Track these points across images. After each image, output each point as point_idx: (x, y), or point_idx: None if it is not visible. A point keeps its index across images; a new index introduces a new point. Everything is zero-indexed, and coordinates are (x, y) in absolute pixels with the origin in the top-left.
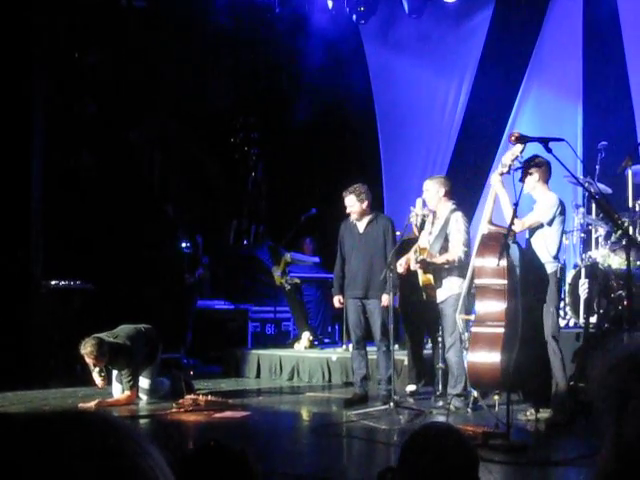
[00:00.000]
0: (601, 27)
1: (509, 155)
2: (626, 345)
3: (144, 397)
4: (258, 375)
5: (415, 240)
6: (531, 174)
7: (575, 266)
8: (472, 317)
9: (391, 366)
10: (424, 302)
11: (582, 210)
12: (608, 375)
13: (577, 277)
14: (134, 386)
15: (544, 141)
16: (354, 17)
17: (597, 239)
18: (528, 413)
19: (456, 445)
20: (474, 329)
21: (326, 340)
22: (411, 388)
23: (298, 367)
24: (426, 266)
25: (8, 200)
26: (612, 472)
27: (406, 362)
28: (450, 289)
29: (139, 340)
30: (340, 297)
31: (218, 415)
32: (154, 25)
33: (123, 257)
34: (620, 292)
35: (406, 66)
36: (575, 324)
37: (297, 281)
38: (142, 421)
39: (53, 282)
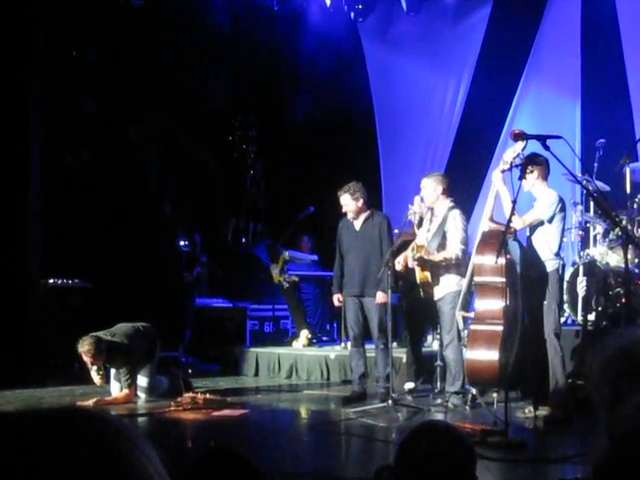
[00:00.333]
0: (599, 24)
1: (510, 152)
2: (617, 340)
3: (142, 395)
4: (256, 373)
5: (415, 238)
6: (531, 172)
7: (573, 264)
8: (471, 314)
9: (389, 364)
10: (425, 299)
11: (580, 208)
12: (600, 371)
13: (575, 275)
14: (132, 384)
15: (542, 139)
16: (352, 15)
17: (595, 237)
18: (526, 410)
19: (454, 443)
20: (473, 327)
21: (324, 338)
22: (409, 386)
23: (296, 365)
24: (423, 263)
25: (6, 199)
26: (606, 464)
27: (404, 360)
28: (447, 287)
29: (137, 338)
30: (339, 296)
31: (216, 413)
32: (152, 24)
33: (121, 256)
34: (618, 290)
35: (404, 64)
36: (573, 321)
37: (295, 279)
38: (140, 419)
39: (51, 281)
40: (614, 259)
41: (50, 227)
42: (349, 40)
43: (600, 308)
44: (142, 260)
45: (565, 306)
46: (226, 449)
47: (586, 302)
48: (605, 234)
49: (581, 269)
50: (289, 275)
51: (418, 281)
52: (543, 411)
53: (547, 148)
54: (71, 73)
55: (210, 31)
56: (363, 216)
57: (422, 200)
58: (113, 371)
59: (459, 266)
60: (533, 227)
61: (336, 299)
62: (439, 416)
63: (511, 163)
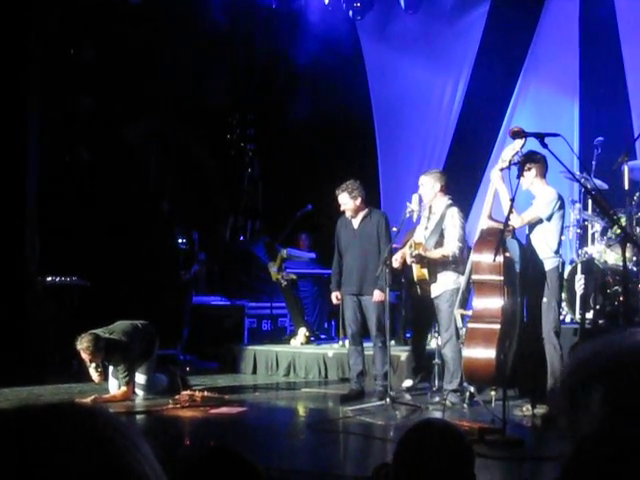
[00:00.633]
0: (598, 23)
1: (509, 150)
2: (586, 348)
3: (140, 393)
4: (254, 371)
5: None
6: (529, 169)
7: (571, 262)
8: (469, 312)
9: (387, 362)
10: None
11: (578, 206)
12: (563, 380)
13: (573, 273)
14: (130, 382)
15: (540, 136)
16: (350, 13)
17: (593, 235)
18: (524, 409)
19: (452, 441)
20: (470, 325)
21: (322, 336)
22: (407, 383)
23: (294, 363)
24: (421, 261)
25: (3, 197)
26: (571, 472)
27: (403, 358)
28: (445, 284)
29: (135, 336)
30: (338, 293)
31: (214, 411)
32: (150, 22)
33: (119, 254)
34: (616, 288)
35: (403, 62)
36: (571, 320)
37: (293, 277)
38: (138, 417)
39: (49, 279)
40: (612, 257)
41: (48, 225)
42: (347, 38)
43: (598, 306)
44: (140, 258)
45: (563, 304)
46: (225, 449)
47: (584, 300)
48: (603, 232)
49: (579, 267)
50: (287, 273)
51: (415, 279)
52: (541, 409)
53: (545, 146)
54: (69, 72)
55: (208, 29)
56: (361, 214)
57: (420, 198)
58: (111, 369)
59: (457, 264)
60: (532, 225)
61: (334, 297)
62: (437, 414)
63: (510, 161)
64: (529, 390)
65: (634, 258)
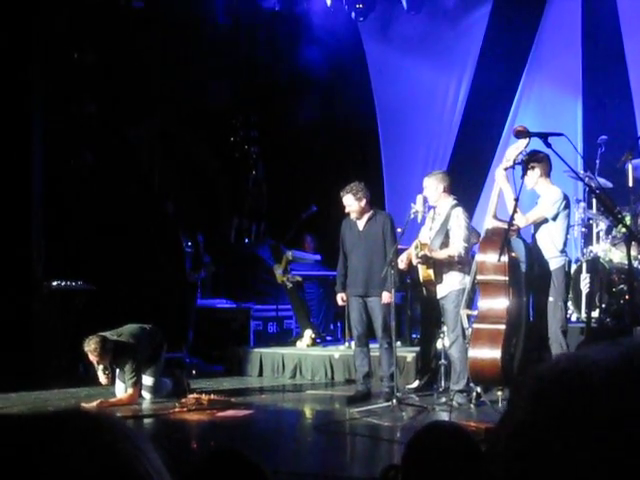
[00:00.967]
0: (600, 21)
1: (513, 149)
2: (551, 363)
3: (147, 396)
4: (261, 373)
5: None
6: (532, 168)
7: (576, 260)
8: (475, 312)
9: (393, 363)
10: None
11: (583, 205)
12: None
13: (578, 271)
14: (136, 384)
15: (543, 136)
16: (353, 14)
17: (598, 233)
18: None
19: (461, 443)
20: (475, 325)
21: (328, 338)
22: (413, 384)
23: (301, 365)
24: (427, 261)
25: (9, 200)
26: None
27: (409, 359)
28: (451, 285)
29: (144, 339)
30: (343, 295)
31: (221, 414)
32: (153, 25)
33: (124, 257)
34: (621, 286)
35: (406, 63)
36: (577, 319)
37: (299, 279)
38: (145, 421)
39: (55, 283)
40: (617, 256)
41: (53, 229)
42: (350, 40)
43: (604, 305)
44: (145, 261)
45: (569, 303)
46: (231, 450)
47: (589, 299)
48: (608, 231)
49: (584, 266)
50: (292, 275)
51: (421, 279)
52: None
53: (549, 145)
54: (72, 75)
55: (211, 31)
56: (366, 216)
57: (425, 200)
58: (118, 372)
59: (462, 264)
60: (538, 224)
61: (339, 298)
62: (444, 415)
63: (514, 160)
64: None
65: (639, 257)
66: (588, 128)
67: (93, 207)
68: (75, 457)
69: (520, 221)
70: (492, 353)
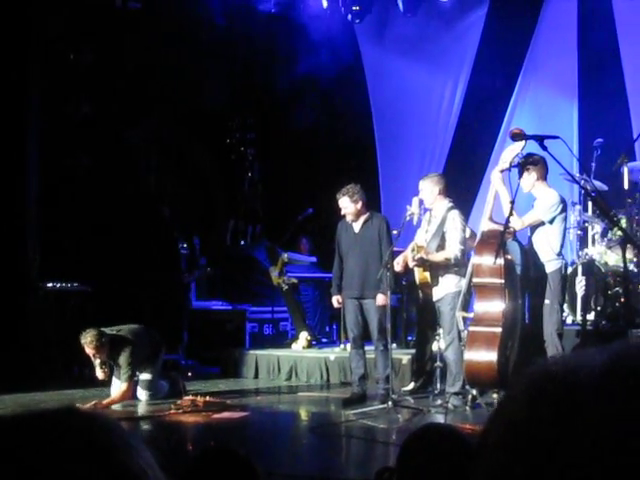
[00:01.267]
0: (596, 24)
1: (509, 152)
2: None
3: (144, 397)
4: (256, 375)
5: None
6: (528, 170)
7: (572, 263)
8: (471, 315)
9: (389, 365)
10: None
11: (578, 207)
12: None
13: (574, 274)
14: (131, 379)
15: (540, 139)
16: (349, 17)
17: (594, 236)
18: None
19: (456, 446)
20: (471, 328)
21: (324, 340)
22: (409, 386)
23: (296, 367)
24: (423, 264)
25: (4, 202)
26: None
27: (404, 361)
28: (447, 287)
29: (142, 337)
30: (339, 297)
31: (216, 416)
32: (149, 26)
33: (120, 259)
34: (617, 289)
35: (402, 65)
36: (573, 321)
37: (294, 281)
38: (141, 422)
39: (50, 284)
40: (613, 258)
41: (49, 230)
42: (346, 41)
43: (599, 308)
44: (141, 263)
45: (564, 306)
46: (222, 448)
47: (585, 302)
48: (603, 233)
49: (580, 269)
50: (288, 277)
51: (417, 282)
52: None
53: (545, 148)
54: (68, 76)
55: (207, 33)
56: (362, 218)
57: (421, 202)
58: (115, 371)
59: (458, 267)
60: (535, 227)
61: (335, 300)
62: (439, 417)
63: (510, 163)
64: None
65: (634, 259)
66: (584, 131)
67: (88, 208)
68: (69, 456)
69: (516, 224)
70: (488, 356)
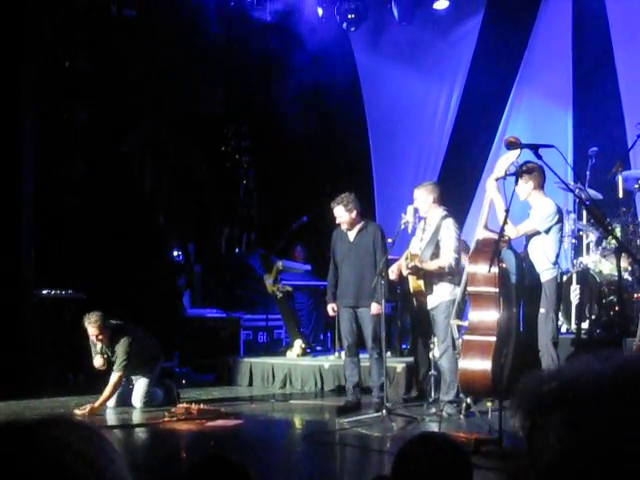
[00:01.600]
0: (591, 33)
1: (504, 160)
2: (543, 372)
3: (138, 404)
4: (250, 383)
5: None
6: (523, 178)
7: (567, 272)
8: (465, 323)
9: (383, 373)
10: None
11: (573, 216)
12: (519, 403)
13: (569, 283)
14: (125, 368)
15: (534, 147)
16: (344, 25)
17: (588, 245)
18: None
19: (451, 454)
20: (466, 337)
21: (318, 348)
22: (403, 395)
23: (290, 375)
24: (417, 272)
25: None
26: None
27: (399, 369)
28: (441, 296)
29: (143, 338)
30: (334, 305)
31: (210, 424)
32: (145, 34)
33: (115, 266)
34: (611, 298)
35: (397, 73)
36: (567, 330)
37: (289, 289)
38: (135, 430)
39: (45, 291)
40: (607, 267)
41: (44, 237)
42: (341, 50)
43: (594, 316)
44: (136, 271)
45: (559, 314)
46: (216, 454)
47: (579, 310)
48: (598, 242)
49: (574, 277)
50: (283, 285)
51: (411, 290)
52: None
53: (539, 157)
54: (64, 83)
55: (203, 41)
56: (357, 227)
57: (416, 211)
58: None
59: (453, 275)
60: (530, 236)
61: (330, 309)
62: (433, 425)
63: (505, 171)
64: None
65: (629, 268)
66: (578, 140)
67: (83, 216)
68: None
69: (511, 232)
70: (483, 364)
